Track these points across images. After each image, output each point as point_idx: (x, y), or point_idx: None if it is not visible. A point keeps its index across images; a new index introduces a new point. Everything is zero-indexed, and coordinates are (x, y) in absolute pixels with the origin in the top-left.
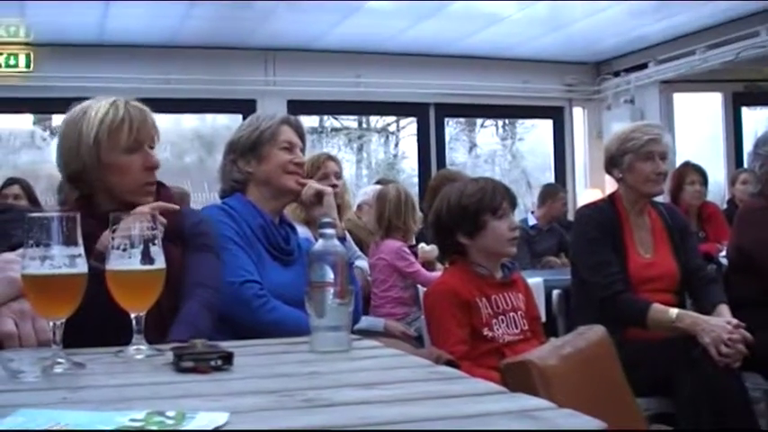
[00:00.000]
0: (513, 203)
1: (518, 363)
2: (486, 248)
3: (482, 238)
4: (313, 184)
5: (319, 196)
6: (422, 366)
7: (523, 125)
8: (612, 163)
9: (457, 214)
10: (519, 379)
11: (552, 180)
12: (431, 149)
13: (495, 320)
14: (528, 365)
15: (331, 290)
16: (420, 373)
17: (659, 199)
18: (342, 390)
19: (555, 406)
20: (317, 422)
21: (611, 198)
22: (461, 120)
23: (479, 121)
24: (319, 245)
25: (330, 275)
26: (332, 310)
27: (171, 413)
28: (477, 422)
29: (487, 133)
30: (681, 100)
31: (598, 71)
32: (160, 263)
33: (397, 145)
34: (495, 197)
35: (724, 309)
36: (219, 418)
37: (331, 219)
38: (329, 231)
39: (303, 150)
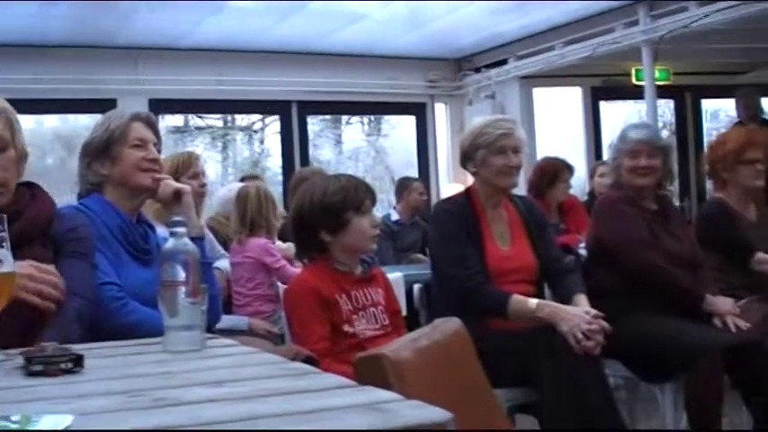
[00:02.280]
0: (373, 200)
1: (370, 357)
2: (349, 245)
3: (345, 236)
4: (171, 182)
5: (177, 194)
6: (274, 363)
7: (388, 122)
8: (467, 157)
9: (320, 212)
10: (372, 373)
11: (416, 176)
12: (294, 147)
13: (355, 316)
14: (380, 359)
15: (183, 289)
16: (271, 370)
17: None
18: (192, 388)
19: (402, 398)
20: (163, 422)
21: (468, 192)
22: (327, 117)
23: (345, 118)
24: (170, 244)
25: (181, 275)
26: (184, 309)
27: (15, 417)
28: (322, 417)
29: (353, 130)
30: (541, 95)
31: (459, 67)
32: (8, 266)
33: (261, 143)
34: (357, 194)
35: (582, 298)
36: (64, 421)
37: (181, 218)
38: (180, 230)
39: (158, 146)
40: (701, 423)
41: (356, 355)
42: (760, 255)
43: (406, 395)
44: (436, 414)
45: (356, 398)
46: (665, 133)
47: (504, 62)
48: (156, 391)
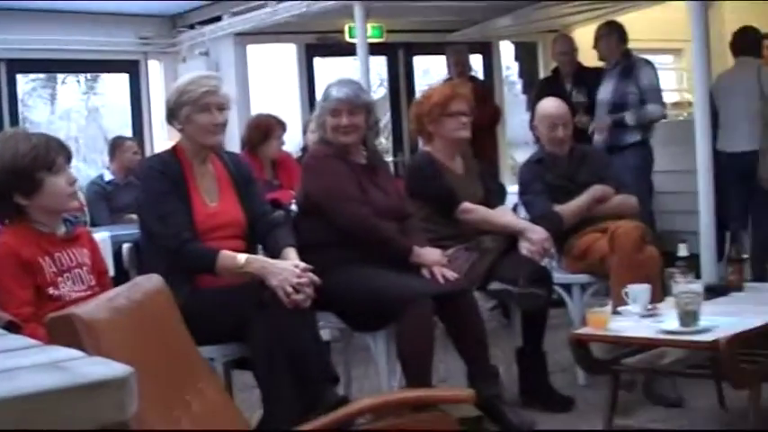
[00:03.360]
0: (68, 157)
1: (62, 317)
2: (46, 206)
3: (40, 197)
4: None
5: None
6: None
7: (102, 80)
8: (172, 115)
9: (11, 175)
10: (63, 333)
11: (131, 135)
12: (2, 108)
13: (60, 278)
14: (71, 319)
15: None
16: None
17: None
18: None
19: (84, 355)
20: None
21: (174, 149)
22: (41, 76)
23: (61, 77)
24: None
25: None
26: None
27: None
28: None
29: (68, 90)
30: (256, 51)
31: (174, 24)
32: None
33: None
34: (48, 154)
35: (291, 252)
36: None
37: None
38: None
39: None
40: (414, 369)
41: (48, 316)
42: (466, 204)
43: (98, 355)
44: (117, 369)
45: (39, 357)
46: (381, 90)
47: (218, 19)
48: None
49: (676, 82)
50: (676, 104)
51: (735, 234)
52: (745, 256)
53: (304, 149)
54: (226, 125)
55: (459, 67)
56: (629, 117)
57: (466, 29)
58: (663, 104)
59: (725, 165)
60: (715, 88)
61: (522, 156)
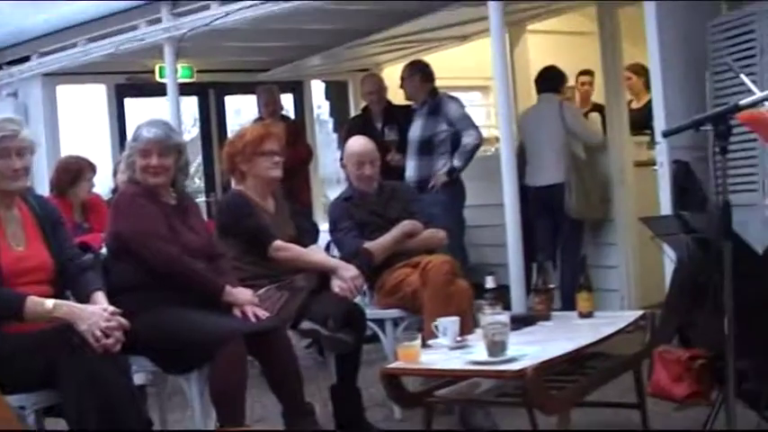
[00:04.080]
0: None
1: None
2: None
3: None
4: None
5: None
6: None
7: None
8: None
9: None
10: None
11: None
12: None
13: None
14: None
15: None
16: None
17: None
18: None
19: None
20: None
21: None
22: None
23: None
24: None
25: None
26: None
27: None
28: None
29: None
30: (66, 92)
31: None
32: None
33: None
34: None
35: (99, 296)
36: None
37: None
38: None
39: None
40: (227, 409)
41: None
42: (278, 242)
43: None
44: None
45: None
46: (195, 130)
47: (27, 59)
48: None
49: (484, 118)
50: (485, 140)
51: (541, 265)
52: (552, 285)
53: (114, 191)
54: (28, 169)
55: (271, 107)
56: (456, 161)
57: (277, 68)
58: (477, 130)
59: (532, 198)
60: (521, 124)
61: (334, 194)
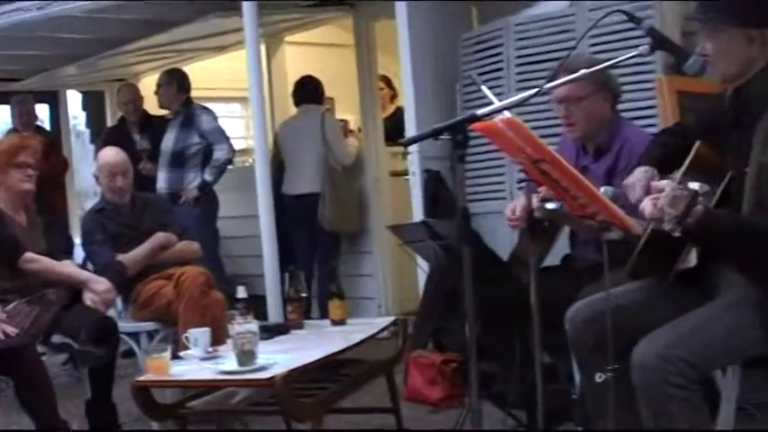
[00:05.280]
0: None
1: None
2: None
3: None
4: None
5: None
6: None
7: None
8: None
9: None
10: None
11: None
12: None
13: None
14: None
15: None
16: None
17: None
18: None
19: None
20: None
21: None
22: None
23: None
24: None
25: None
26: None
27: None
28: None
29: None
30: None
31: None
32: None
33: None
34: None
35: None
36: None
37: None
38: None
39: None
40: None
41: None
42: (28, 254)
43: None
44: None
45: None
46: None
47: None
48: None
49: (244, 129)
50: (243, 151)
51: (292, 274)
52: (304, 294)
53: None
54: None
55: (25, 117)
56: (207, 175)
57: (31, 78)
58: (229, 144)
59: (290, 207)
60: (280, 134)
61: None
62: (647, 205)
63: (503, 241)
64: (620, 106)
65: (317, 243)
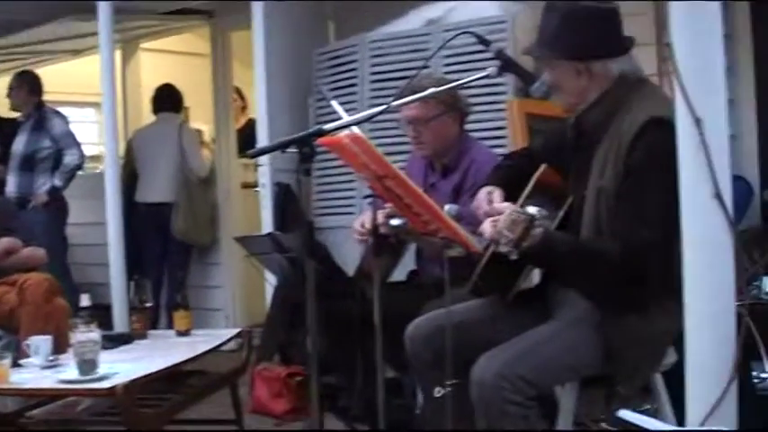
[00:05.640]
0: None
1: None
2: None
3: None
4: None
5: None
6: None
7: None
8: None
9: None
10: None
11: None
12: None
13: None
14: None
15: None
16: None
17: None
18: None
19: None
20: None
21: None
22: None
23: None
24: None
25: None
26: None
27: None
28: None
29: None
30: None
31: None
32: None
33: None
34: None
35: None
36: None
37: None
38: None
39: None
40: None
41: None
42: None
43: None
44: None
45: None
46: None
47: None
48: None
49: (97, 135)
50: (95, 157)
51: (137, 283)
52: (149, 304)
53: None
54: None
55: None
56: (56, 180)
57: None
58: (80, 149)
59: (142, 215)
60: (135, 141)
61: None
62: (486, 226)
63: (351, 255)
64: (471, 126)
65: (168, 252)
